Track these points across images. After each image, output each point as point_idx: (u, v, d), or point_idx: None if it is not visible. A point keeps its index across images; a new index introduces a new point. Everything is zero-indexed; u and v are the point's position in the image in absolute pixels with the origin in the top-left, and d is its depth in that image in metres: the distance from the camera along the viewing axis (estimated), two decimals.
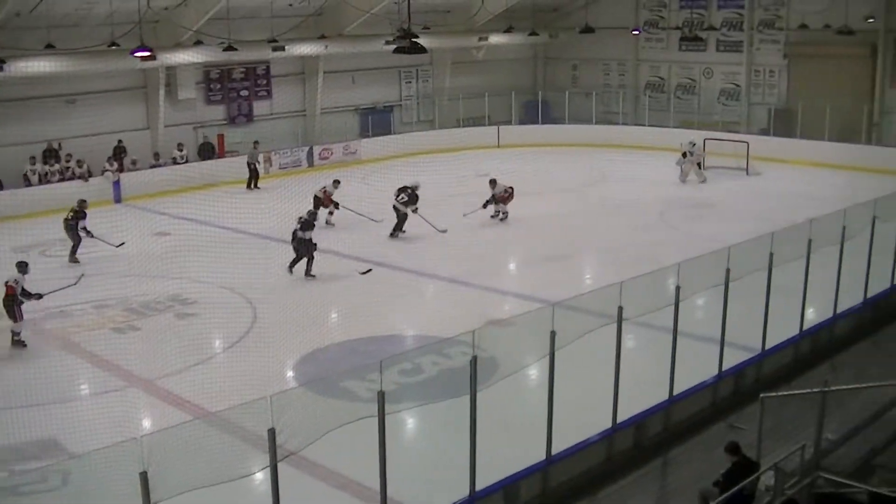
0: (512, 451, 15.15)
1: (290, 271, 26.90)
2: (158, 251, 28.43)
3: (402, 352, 20.72)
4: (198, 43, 39.22)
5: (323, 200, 32.58)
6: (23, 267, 22.57)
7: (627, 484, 15.20)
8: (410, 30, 26.81)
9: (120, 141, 39.64)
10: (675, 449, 16.40)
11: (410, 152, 45.24)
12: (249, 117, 45.01)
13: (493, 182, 33.39)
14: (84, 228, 29.03)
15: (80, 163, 37.63)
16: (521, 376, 16.24)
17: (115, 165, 38.19)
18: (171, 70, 40.77)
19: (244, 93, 44.79)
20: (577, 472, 15.12)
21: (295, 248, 26.98)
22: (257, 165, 41.33)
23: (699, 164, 40.82)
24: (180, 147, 40.80)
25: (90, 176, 37.39)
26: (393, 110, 51.39)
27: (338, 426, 11.71)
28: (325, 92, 46.87)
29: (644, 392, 16.91)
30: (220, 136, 43.64)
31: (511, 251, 30.35)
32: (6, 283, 22.06)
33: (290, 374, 20.19)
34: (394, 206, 31.36)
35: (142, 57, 33.61)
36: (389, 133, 49.40)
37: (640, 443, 16.26)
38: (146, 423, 17.86)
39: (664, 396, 16.80)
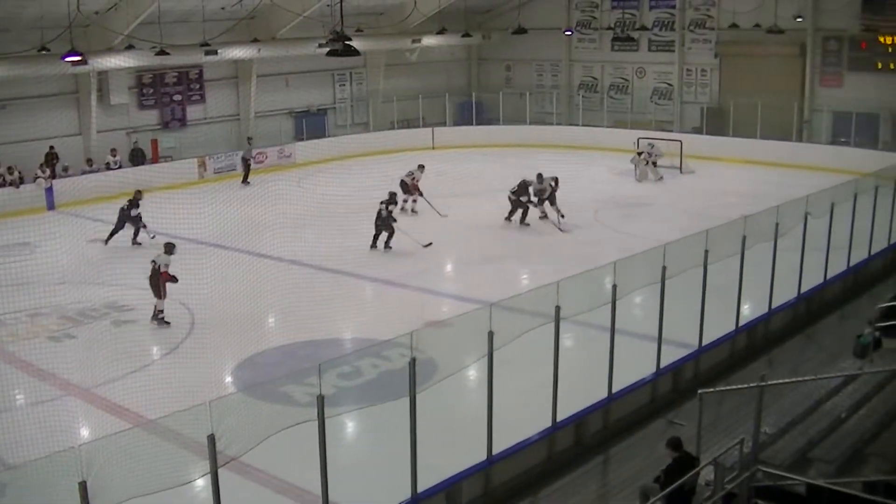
0: (453, 451, 15.17)
1: (377, 246, 30.04)
2: (93, 258, 28.21)
3: (340, 355, 20.72)
4: (129, 47, 38.95)
5: (410, 187, 34.64)
6: (170, 248, 24.33)
7: (569, 482, 15.29)
8: (343, 32, 26.75)
9: (52, 147, 39.18)
10: (616, 446, 16.52)
11: (345, 155, 45.28)
12: (183, 122, 44.72)
13: (539, 177, 33.66)
14: (139, 216, 31.11)
15: (10, 169, 37.13)
16: (460, 377, 16.23)
17: (47, 172, 37.72)
18: (102, 75, 40.38)
19: (177, 97, 44.47)
20: (519, 471, 15.18)
21: (377, 226, 29.79)
22: (252, 161, 43.11)
23: (654, 164, 41.25)
24: (113, 152, 40.44)
25: (21, 182, 36.96)
26: (327, 113, 51.27)
27: (278, 431, 11.67)
28: (259, 95, 46.72)
29: (583, 390, 16.99)
30: (154, 142, 43.29)
31: (447, 252, 30.36)
32: (154, 263, 23.78)
33: (228, 379, 20.10)
34: (514, 200, 33.11)
35: (73, 62, 33.25)
36: (324, 136, 49.37)
37: (580, 441, 16.35)
38: (84, 432, 17.69)
39: (603, 394, 16.89)
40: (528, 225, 32.74)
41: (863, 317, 20.02)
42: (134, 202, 31.31)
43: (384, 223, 29.60)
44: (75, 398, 19.18)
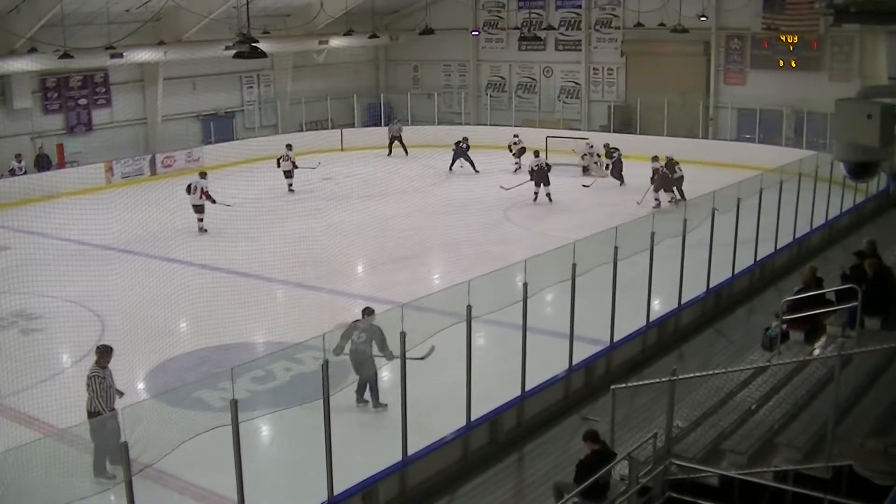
0: (368, 453, 15.19)
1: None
2: None
3: (253, 359, 20.60)
4: (32, 50, 38.35)
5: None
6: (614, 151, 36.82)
7: (484, 480, 15.33)
8: (250, 34, 26.62)
9: None
10: (530, 443, 16.59)
11: (254, 158, 44.90)
12: (89, 126, 44.09)
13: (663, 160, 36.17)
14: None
15: None
16: None
17: None
18: (5, 79, 39.69)
19: (83, 101, 43.83)
20: (435, 470, 15.20)
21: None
22: (402, 136, 49.14)
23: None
24: (19, 158, 39.67)
25: None
26: (235, 116, 50.92)
27: (192, 436, 11.59)
28: (166, 99, 46.20)
29: (497, 389, 17.05)
30: (59, 146, 42.65)
31: (358, 253, 30.33)
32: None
33: (140, 385, 19.88)
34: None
35: None
36: (232, 139, 49.02)
37: (495, 439, 16.40)
38: None
39: (517, 392, 16.97)
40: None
41: (770, 310, 20.32)
42: (465, 141, 44.05)
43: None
44: None
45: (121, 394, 16.09)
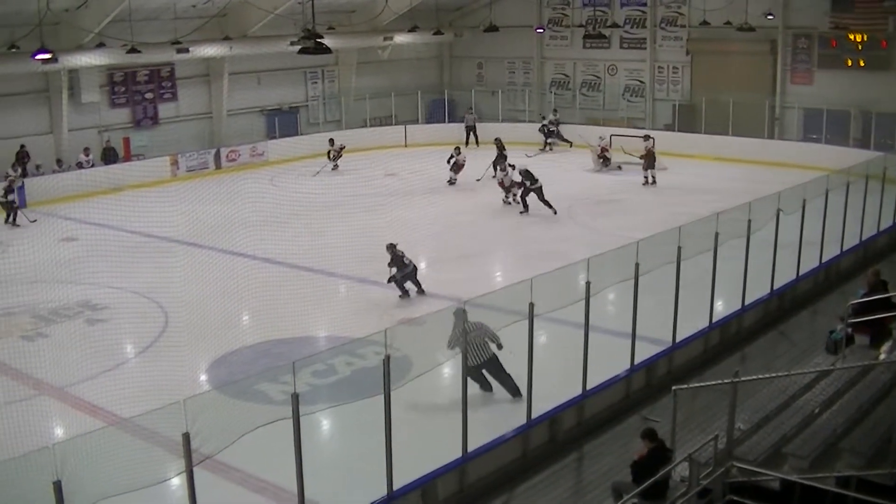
0: (428, 449, 15.18)
1: None
2: (66, 257, 28.08)
3: (314, 353, 20.66)
4: (100, 45, 38.76)
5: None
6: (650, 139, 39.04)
7: (543, 478, 15.30)
8: (315, 30, 26.73)
9: (23, 146, 38.94)
10: (590, 443, 16.52)
11: (317, 153, 45.05)
12: (155, 120, 44.54)
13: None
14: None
15: None
16: (434, 374, 16.25)
17: (19, 170, 37.38)
18: (73, 73, 40.16)
19: (149, 95, 44.29)
20: (494, 468, 15.18)
21: None
22: (476, 127, 50.66)
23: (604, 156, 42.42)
24: (87, 152, 40.16)
25: None
26: (299, 111, 51.14)
27: (253, 429, 11.65)
28: (231, 93, 46.57)
29: (557, 387, 16.98)
30: (126, 140, 43.09)
31: (420, 250, 30.23)
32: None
33: (203, 377, 20.05)
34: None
35: (43, 59, 33.14)
36: (296, 134, 49.23)
37: (554, 437, 16.36)
38: (58, 432, 17.64)
39: (578, 391, 16.90)
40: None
41: (834, 313, 20.10)
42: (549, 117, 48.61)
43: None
44: (49, 397, 19.10)
45: None
